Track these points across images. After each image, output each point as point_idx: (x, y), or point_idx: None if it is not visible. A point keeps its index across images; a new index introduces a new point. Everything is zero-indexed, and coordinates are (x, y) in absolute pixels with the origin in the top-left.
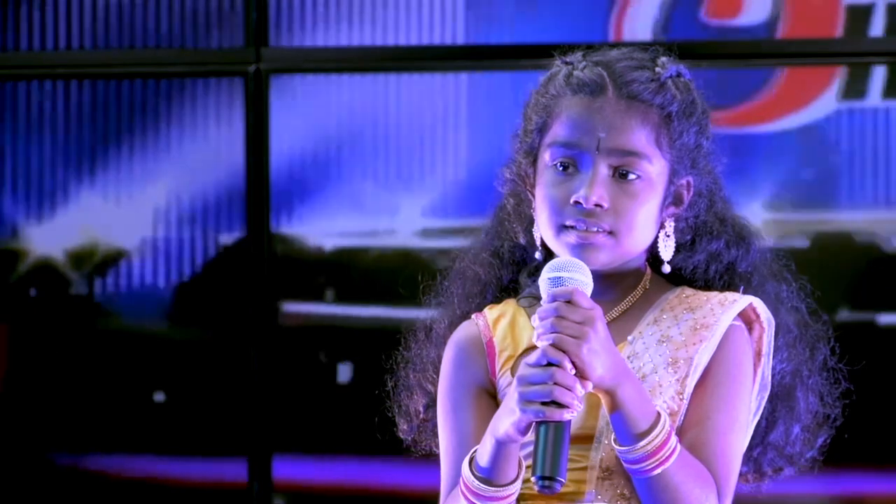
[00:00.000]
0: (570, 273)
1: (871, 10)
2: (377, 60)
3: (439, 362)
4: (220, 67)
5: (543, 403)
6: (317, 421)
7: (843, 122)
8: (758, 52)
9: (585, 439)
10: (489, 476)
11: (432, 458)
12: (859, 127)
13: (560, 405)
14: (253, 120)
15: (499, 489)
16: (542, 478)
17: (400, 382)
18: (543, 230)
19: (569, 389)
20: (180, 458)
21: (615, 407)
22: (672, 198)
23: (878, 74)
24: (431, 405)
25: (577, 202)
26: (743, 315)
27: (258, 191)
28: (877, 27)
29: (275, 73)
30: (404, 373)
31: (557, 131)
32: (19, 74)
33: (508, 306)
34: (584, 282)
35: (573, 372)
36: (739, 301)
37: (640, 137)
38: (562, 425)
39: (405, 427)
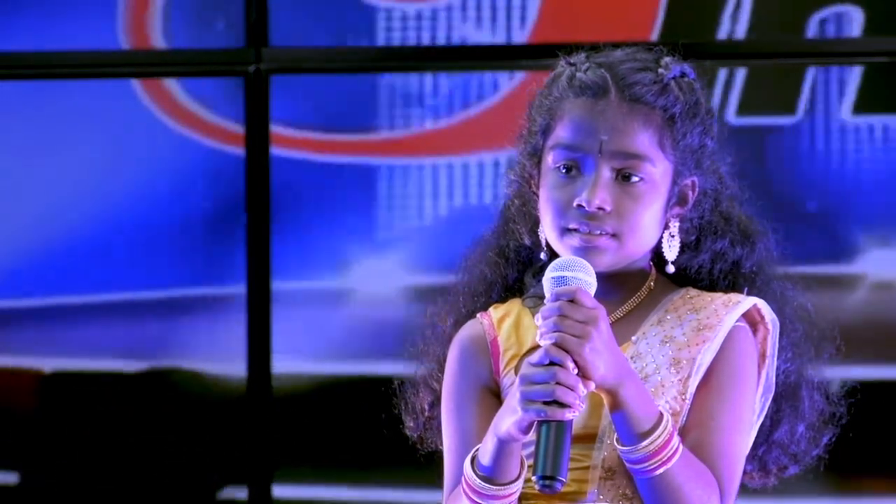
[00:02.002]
0: (573, 272)
1: None
2: (375, 60)
3: (444, 360)
4: (220, 67)
5: (545, 403)
6: None
7: None
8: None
9: (588, 439)
10: (491, 475)
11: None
12: None
13: (562, 405)
14: (253, 120)
15: (500, 488)
16: (543, 477)
17: (406, 379)
18: (547, 232)
19: (571, 389)
20: None
21: (617, 407)
22: (676, 198)
23: None
24: (436, 403)
25: (579, 205)
26: (747, 316)
27: (259, 192)
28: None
29: (275, 73)
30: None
31: (560, 134)
32: (18, 74)
33: (513, 306)
34: (587, 281)
35: (575, 371)
36: (743, 302)
37: (643, 140)
38: (563, 425)
39: (411, 424)
